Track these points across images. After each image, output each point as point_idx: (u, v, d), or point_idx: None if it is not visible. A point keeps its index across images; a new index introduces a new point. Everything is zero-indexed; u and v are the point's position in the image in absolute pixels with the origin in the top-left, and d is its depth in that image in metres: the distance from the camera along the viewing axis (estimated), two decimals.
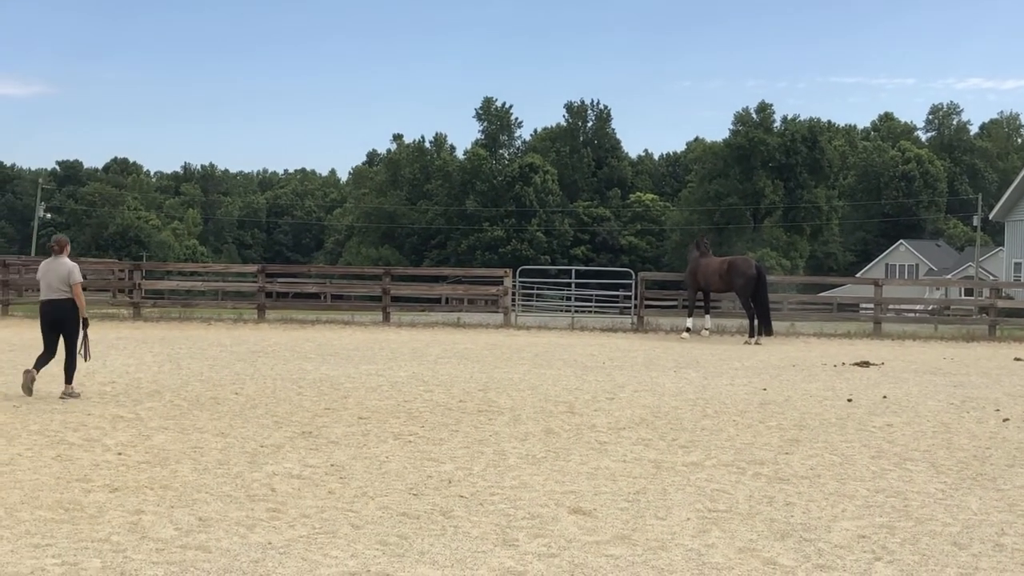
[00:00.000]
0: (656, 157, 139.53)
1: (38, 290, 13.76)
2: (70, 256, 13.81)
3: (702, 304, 28.76)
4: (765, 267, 30.13)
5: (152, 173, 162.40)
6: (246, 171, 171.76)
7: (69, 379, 13.36)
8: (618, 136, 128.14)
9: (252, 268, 35.84)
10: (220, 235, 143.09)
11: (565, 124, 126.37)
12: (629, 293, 31.45)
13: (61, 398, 13.08)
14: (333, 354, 20.30)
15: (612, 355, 21.78)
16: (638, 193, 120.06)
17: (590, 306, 44.19)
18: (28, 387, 13.17)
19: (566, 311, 37.24)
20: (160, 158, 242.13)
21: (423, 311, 35.83)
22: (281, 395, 13.80)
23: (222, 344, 22.07)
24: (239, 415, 12.03)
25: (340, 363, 18.43)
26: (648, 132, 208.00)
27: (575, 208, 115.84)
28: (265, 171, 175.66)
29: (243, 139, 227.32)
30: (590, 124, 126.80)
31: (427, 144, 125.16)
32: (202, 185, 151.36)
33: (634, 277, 31.97)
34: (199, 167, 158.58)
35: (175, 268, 42.61)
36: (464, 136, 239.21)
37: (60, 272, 13.38)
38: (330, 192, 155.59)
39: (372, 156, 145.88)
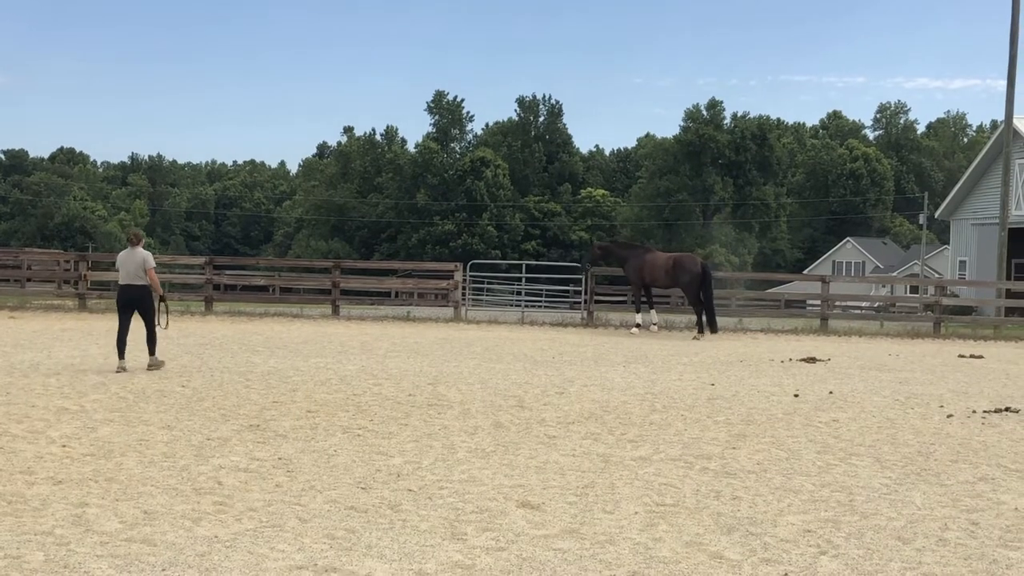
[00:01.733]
0: (607, 153, 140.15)
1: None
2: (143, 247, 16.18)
3: (646, 300, 29.06)
4: (711, 265, 30.63)
5: (99, 163, 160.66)
6: (194, 162, 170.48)
7: (152, 351, 15.95)
8: (569, 131, 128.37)
9: (200, 260, 35.48)
10: (168, 227, 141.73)
11: (517, 119, 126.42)
12: (579, 288, 31.46)
13: (148, 368, 15.62)
14: (281, 347, 20.18)
15: (562, 350, 21.83)
16: (589, 188, 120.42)
17: (540, 301, 44.26)
18: (123, 368, 15.38)
19: (516, 306, 37.27)
20: (107, 148, 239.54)
21: (372, 305, 35.70)
22: (228, 388, 13.70)
23: (169, 336, 21.84)
24: (186, 408, 11.93)
25: (288, 356, 18.33)
26: (599, 128, 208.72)
27: (526, 203, 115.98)
28: (214, 162, 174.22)
29: (192, 129, 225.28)
30: (542, 119, 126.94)
31: (378, 137, 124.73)
32: (149, 176, 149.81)
33: (585, 272, 32.02)
34: (147, 157, 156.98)
35: None
36: (415, 129, 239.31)
37: (137, 260, 15.85)
38: (279, 184, 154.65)
39: (322, 148, 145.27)
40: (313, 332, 24.88)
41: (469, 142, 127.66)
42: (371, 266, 44.86)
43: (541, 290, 43.39)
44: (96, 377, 14.41)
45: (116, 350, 15.78)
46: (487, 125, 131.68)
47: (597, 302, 31.88)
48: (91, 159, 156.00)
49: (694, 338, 26.63)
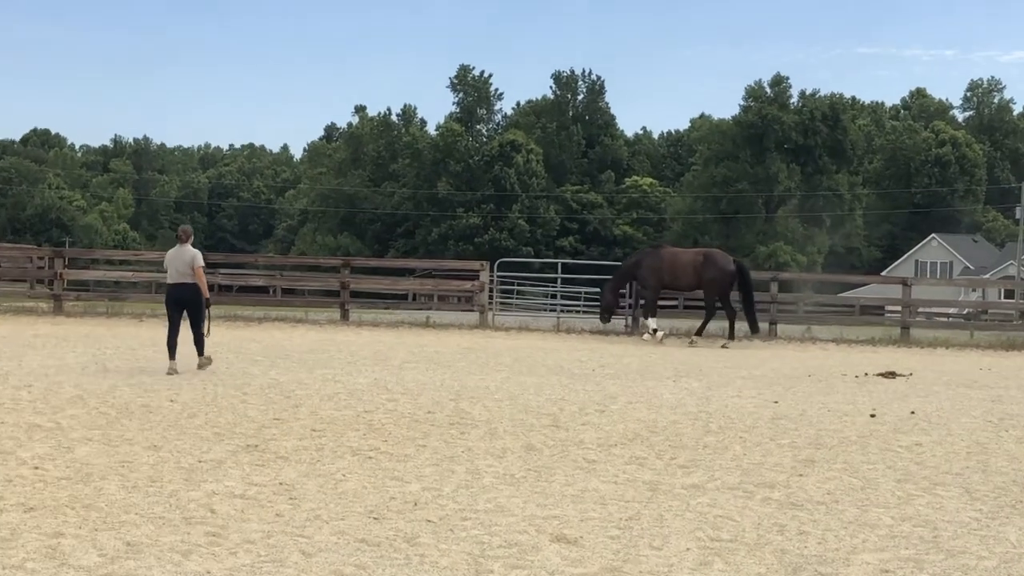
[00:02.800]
0: (656, 136, 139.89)
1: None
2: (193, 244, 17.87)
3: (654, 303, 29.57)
4: (744, 261, 31.22)
5: (77, 147, 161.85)
6: (185, 146, 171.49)
7: (200, 351, 17.51)
8: (612, 111, 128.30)
9: None
10: (155, 219, 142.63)
11: (552, 97, 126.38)
12: (623, 291, 31.47)
13: (199, 367, 17.23)
14: (283, 357, 20.25)
15: (603, 361, 21.80)
16: (635, 177, 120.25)
17: (578, 305, 44.18)
18: (174, 370, 16.82)
19: (551, 310, 37.27)
20: (86, 130, 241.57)
21: (387, 308, 35.81)
22: (223, 403, 13.76)
23: (156, 344, 21.96)
24: (174, 425, 12.00)
25: (291, 367, 18.39)
26: (647, 108, 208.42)
27: (562, 193, 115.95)
28: (207, 146, 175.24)
29: (182, 109, 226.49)
30: (580, 97, 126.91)
31: (394, 118, 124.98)
32: (134, 161, 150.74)
33: None
34: (131, 140, 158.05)
35: (102, 256, 42.51)
36: (436, 109, 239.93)
37: (185, 258, 17.42)
38: (282, 171, 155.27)
39: (330, 131, 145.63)
40: (319, 339, 24.95)
41: (497, 123, 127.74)
42: (385, 264, 45.09)
43: (579, 293, 43.21)
44: (73, 390, 14.51)
45: (167, 351, 17.32)
46: (518, 104, 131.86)
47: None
48: (68, 142, 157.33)
49: (723, 346, 27.10)
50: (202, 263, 17.56)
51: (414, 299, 44.15)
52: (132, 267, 43.15)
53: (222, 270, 44.34)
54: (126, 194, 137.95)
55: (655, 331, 28.27)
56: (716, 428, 13.08)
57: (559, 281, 37.94)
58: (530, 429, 12.56)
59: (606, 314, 29.77)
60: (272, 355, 20.42)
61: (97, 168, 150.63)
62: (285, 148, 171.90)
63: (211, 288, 34.27)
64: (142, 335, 24.40)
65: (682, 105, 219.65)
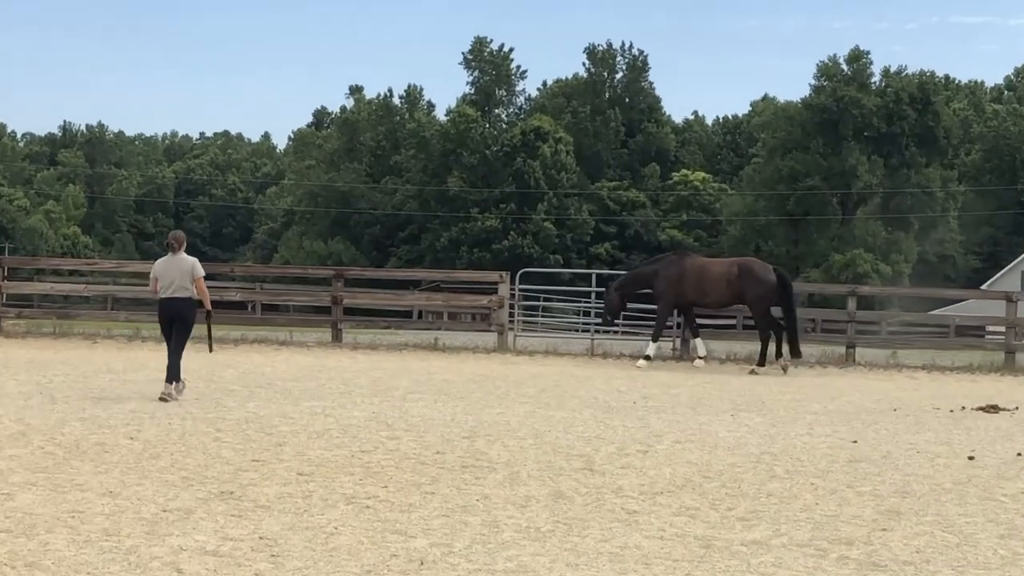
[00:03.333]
0: (709, 122, 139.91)
1: None
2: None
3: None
4: (786, 272, 31.58)
5: (19, 135, 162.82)
6: (147, 134, 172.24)
7: (172, 378, 17.84)
8: (657, 93, 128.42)
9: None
10: (111, 221, 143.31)
11: (585, 76, 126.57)
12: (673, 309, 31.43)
13: (161, 398, 17.40)
14: (264, 386, 20.28)
15: (646, 392, 21.77)
16: (684, 171, 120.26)
17: (616, 324, 44.16)
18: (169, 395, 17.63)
19: (583, 330, 37.26)
20: (30, 116, 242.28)
21: (387, 328, 35.86)
22: (192, 441, 13.79)
23: (112, 370, 22.05)
24: (134, 468, 12.02)
25: (273, 398, 18.42)
26: (698, 88, 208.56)
27: (597, 190, 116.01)
28: (173, 135, 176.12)
29: (143, 91, 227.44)
30: (619, 76, 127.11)
31: (396, 100, 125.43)
32: (87, 152, 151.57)
33: None
34: (83, 128, 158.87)
35: (49, 265, 42.64)
36: (446, 90, 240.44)
37: (183, 268, 18.19)
38: (262, 164, 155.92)
39: (320, 116, 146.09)
40: (307, 365, 24.98)
41: (520, 107, 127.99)
42: (385, 275, 45.21)
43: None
44: (14, 425, 14.56)
45: (165, 373, 18.04)
46: (545, 84, 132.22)
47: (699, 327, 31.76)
48: (8, 130, 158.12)
49: (751, 371, 27.55)
50: (202, 273, 18.45)
51: (420, 317, 44.20)
52: (85, 279, 43.26)
53: None
54: (77, 192, 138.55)
55: (647, 357, 28.72)
56: (782, 473, 13.04)
57: (593, 295, 37.86)
58: (559, 473, 12.54)
59: (609, 317, 30.26)
60: (251, 384, 20.45)
61: (42, 160, 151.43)
62: (266, 137, 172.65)
63: None
64: (96, 359, 24.48)
65: (741, 85, 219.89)
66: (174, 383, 17.89)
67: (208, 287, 19.21)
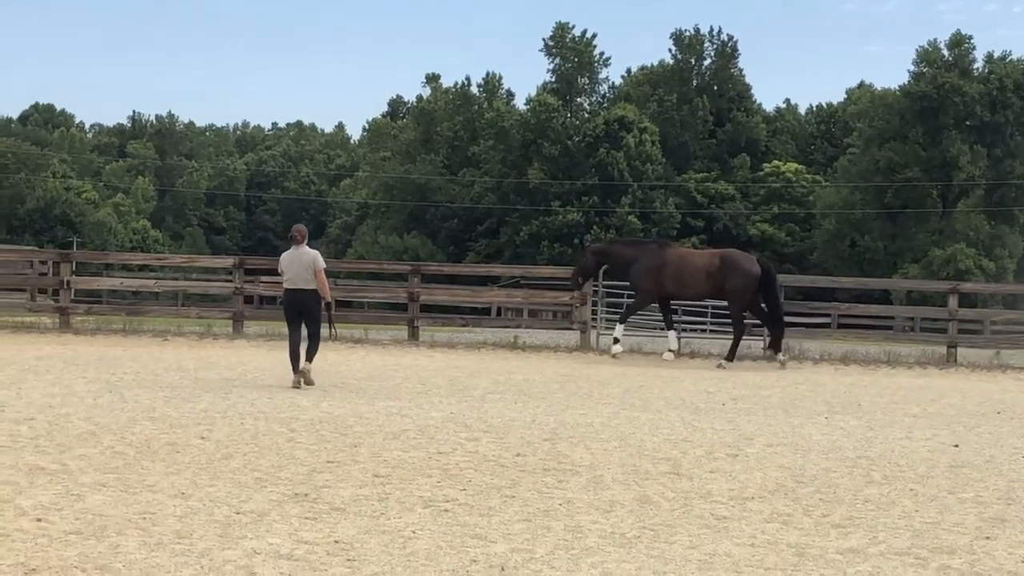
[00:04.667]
0: (802, 111, 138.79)
1: None
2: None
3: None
4: (771, 263, 31.76)
5: (87, 126, 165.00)
6: (218, 125, 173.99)
7: (310, 358, 19.98)
8: (748, 80, 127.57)
9: (227, 262, 36.19)
10: (181, 214, 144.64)
11: (672, 63, 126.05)
12: (762, 305, 31.29)
13: (297, 375, 19.70)
14: (338, 385, 20.40)
15: (736, 393, 21.70)
16: (775, 162, 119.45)
17: (704, 322, 44.03)
18: (298, 383, 19.64)
19: (671, 328, 37.09)
20: (99, 106, 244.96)
21: (465, 326, 35.92)
22: (265, 441, 13.90)
23: (183, 368, 22.25)
24: (206, 468, 12.13)
25: (348, 398, 18.52)
26: (791, 76, 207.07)
27: (684, 182, 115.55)
28: (245, 125, 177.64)
29: (214, 80, 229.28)
30: (707, 63, 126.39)
31: (474, 89, 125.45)
32: (157, 144, 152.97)
33: None
34: (152, 119, 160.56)
35: (118, 260, 43.11)
36: (527, 79, 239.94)
37: (305, 261, 20.01)
38: (336, 156, 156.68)
39: (396, 106, 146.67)
40: (382, 364, 25.09)
41: (603, 96, 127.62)
42: (463, 271, 45.27)
43: (705, 306, 43.04)
44: (83, 424, 14.72)
45: (291, 364, 20.10)
46: (629, 72, 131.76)
47: (788, 325, 31.62)
48: (77, 120, 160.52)
49: (719, 366, 27.86)
50: (323, 265, 20.28)
51: (499, 314, 44.34)
52: (156, 275, 43.76)
53: (263, 278, 44.91)
54: (147, 184, 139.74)
55: (616, 340, 29.09)
56: (880, 478, 12.95)
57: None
58: (645, 477, 12.52)
59: (580, 279, 30.68)
60: (325, 383, 20.56)
61: (111, 152, 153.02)
62: (340, 128, 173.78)
63: (251, 300, 34.79)
64: (166, 357, 24.72)
65: (836, 72, 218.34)
66: (307, 364, 19.90)
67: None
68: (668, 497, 11.54)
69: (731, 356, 28.72)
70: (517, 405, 18.40)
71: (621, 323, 30.08)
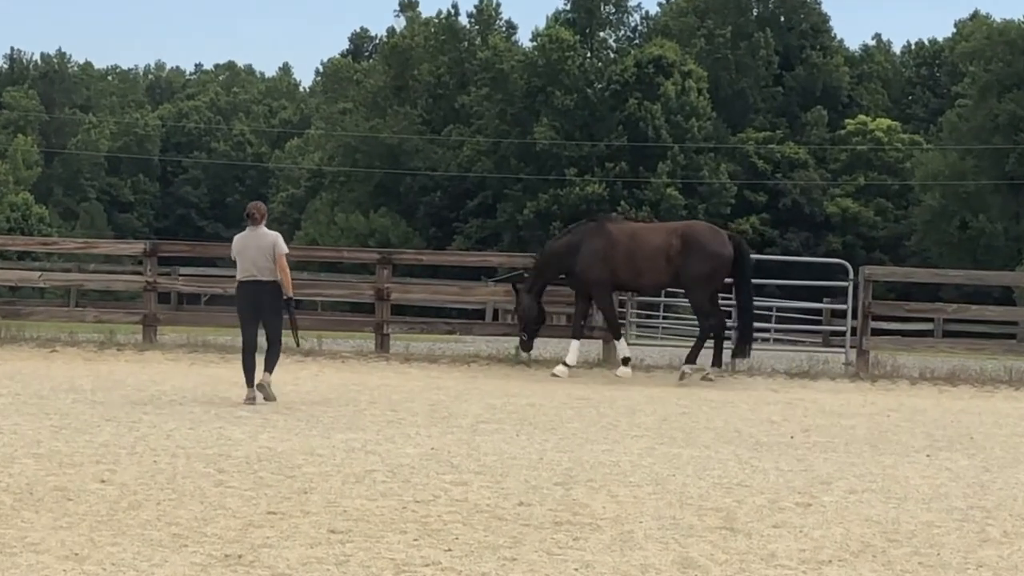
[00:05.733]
0: (897, 50, 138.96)
1: None
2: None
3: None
4: (743, 239, 31.61)
5: None
6: (124, 67, 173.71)
7: (270, 367, 21.16)
8: (825, 10, 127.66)
9: (135, 247, 36.17)
10: (75, 184, 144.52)
11: None
12: (842, 305, 31.29)
13: (259, 389, 20.86)
14: (282, 411, 20.42)
15: (807, 422, 21.73)
16: (861, 117, 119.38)
17: (767, 330, 44.07)
18: (252, 398, 20.88)
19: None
20: None
21: (451, 333, 35.92)
22: (186, 485, 13.91)
23: (77, 388, 22.28)
24: (107, 521, 12.14)
25: (296, 428, 18.54)
26: (882, 3, 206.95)
27: (742, 144, 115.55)
28: (159, 67, 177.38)
29: (116, 8, 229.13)
30: None
31: (463, 20, 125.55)
32: (42, 91, 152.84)
33: (852, 275, 31.82)
34: (36, 59, 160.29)
35: None
36: (533, 6, 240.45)
37: (263, 246, 20.93)
38: (280, 108, 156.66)
39: (360, 41, 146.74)
40: (341, 383, 25.12)
41: (634, 30, 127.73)
42: (448, 261, 45.27)
43: (769, 308, 43.10)
44: None
45: (243, 375, 21.22)
46: None
47: (875, 333, 31.63)
48: None
49: (704, 378, 27.89)
50: (285, 250, 21.29)
51: (495, 318, 44.36)
52: (39, 264, 43.79)
53: (183, 269, 44.97)
54: (28, 144, 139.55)
55: (626, 360, 28.89)
56: (999, 535, 12.97)
57: (735, 289, 37.74)
58: (688, 534, 12.54)
59: (525, 336, 29.96)
60: (265, 408, 20.60)
61: None
62: (286, 71, 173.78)
63: (165, 299, 34.76)
64: (55, 374, 24.74)
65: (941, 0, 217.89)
66: (267, 376, 21.12)
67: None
68: (719, 560, 11.57)
69: (717, 360, 28.87)
70: (519, 438, 18.41)
71: (617, 339, 29.67)
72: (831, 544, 12.34)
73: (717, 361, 28.84)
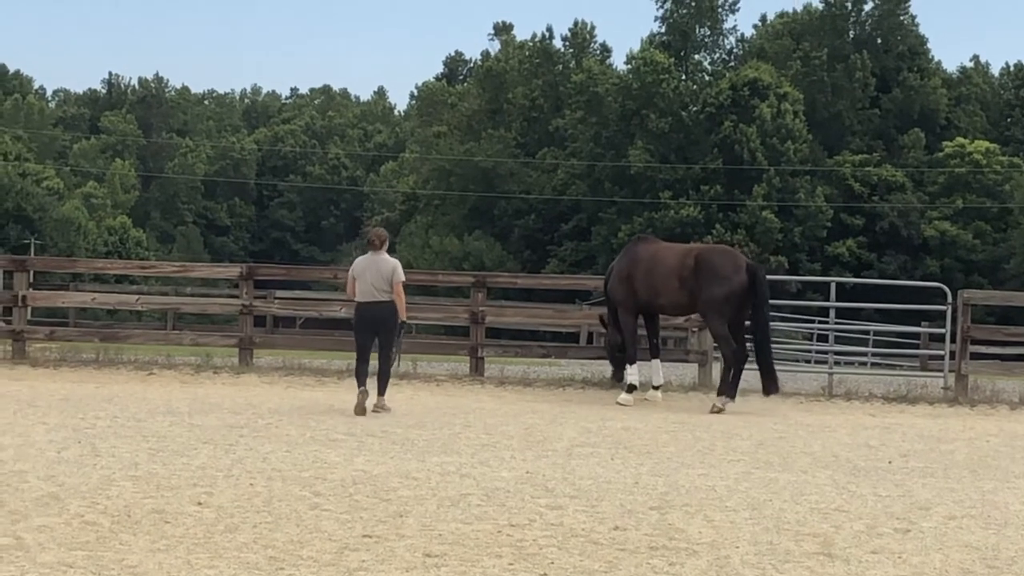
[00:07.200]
0: (996, 71, 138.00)
1: None
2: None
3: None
4: (761, 266, 30.77)
5: (49, 93, 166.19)
6: (220, 91, 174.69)
7: (382, 390, 23.11)
8: (922, 31, 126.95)
9: (232, 271, 36.35)
10: (172, 207, 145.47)
11: (822, 8, 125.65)
12: (940, 330, 31.03)
13: (374, 411, 22.59)
14: (378, 433, 20.43)
15: (908, 448, 21.59)
16: (960, 139, 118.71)
17: (865, 353, 43.81)
18: (362, 407, 22.48)
19: (818, 361, 36.95)
20: (64, 67, 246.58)
21: (546, 356, 35.87)
22: (282, 508, 13.94)
23: (174, 411, 22.38)
24: (204, 544, 12.18)
25: (391, 451, 18.55)
26: (981, 25, 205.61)
27: (838, 167, 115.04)
28: (256, 92, 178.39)
29: (215, 33, 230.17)
30: (868, 8, 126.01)
31: (557, 43, 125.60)
32: (139, 116, 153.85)
33: (950, 298, 31.62)
34: (134, 83, 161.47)
35: (89, 268, 43.33)
36: (628, 29, 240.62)
37: (383, 270, 22.79)
38: (375, 132, 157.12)
39: (454, 64, 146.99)
40: (435, 406, 25.13)
41: (730, 52, 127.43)
42: (543, 284, 45.20)
43: (867, 332, 42.82)
44: (44, 485, 14.83)
45: (355, 379, 23.28)
46: (764, 21, 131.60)
47: (974, 358, 31.39)
48: (36, 85, 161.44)
49: (714, 410, 26.84)
50: (403, 277, 23.20)
51: (590, 341, 44.23)
52: (136, 288, 44.03)
53: (279, 292, 45.08)
54: (126, 168, 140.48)
55: (631, 388, 28.20)
56: None
57: (833, 312, 37.53)
58: (785, 559, 12.48)
59: (615, 364, 29.67)
60: (360, 431, 20.61)
61: (80, 127, 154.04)
62: (381, 95, 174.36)
63: (260, 322, 34.91)
64: (152, 396, 24.86)
65: None
66: (381, 400, 23.06)
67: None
68: None
69: (732, 391, 27.68)
70: (614, 462, 18.37)
71: (631, 363, 28.68)
72: (930, 571, 12.25)
73: (726, 390, 27.67)
